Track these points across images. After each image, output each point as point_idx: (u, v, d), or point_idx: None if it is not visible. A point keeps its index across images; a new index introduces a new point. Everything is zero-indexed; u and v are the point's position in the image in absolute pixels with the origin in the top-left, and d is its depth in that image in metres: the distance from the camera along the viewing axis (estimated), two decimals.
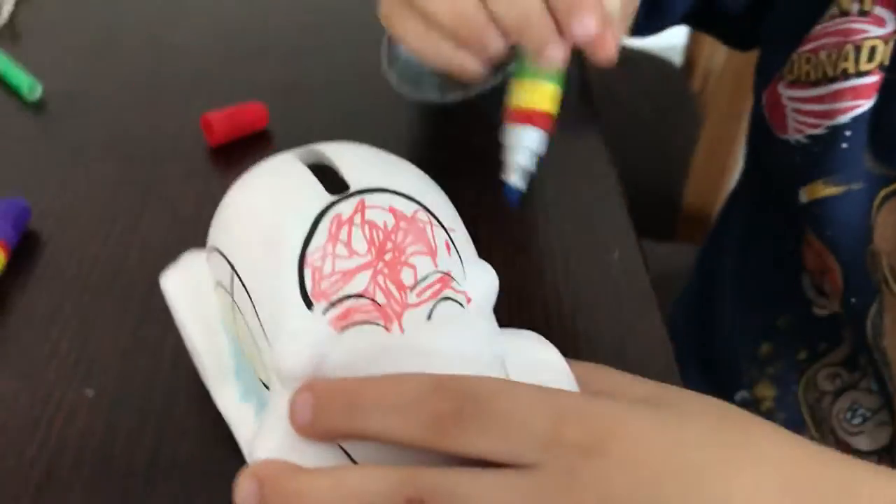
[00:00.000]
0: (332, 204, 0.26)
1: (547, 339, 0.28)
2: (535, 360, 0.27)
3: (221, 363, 0.29)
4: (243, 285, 0.26)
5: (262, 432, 0.25)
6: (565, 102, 0.35)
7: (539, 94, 0.34)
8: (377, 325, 0.25)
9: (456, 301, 0.26)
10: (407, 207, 0.27)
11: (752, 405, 0.51)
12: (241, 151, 0.47)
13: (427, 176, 0.30)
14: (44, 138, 0.48)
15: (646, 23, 0.48)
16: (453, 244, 0.27)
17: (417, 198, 0.27)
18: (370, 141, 0.30)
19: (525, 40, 0.32)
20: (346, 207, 0.26)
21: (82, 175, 0.45)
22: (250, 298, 0.26)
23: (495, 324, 0.28)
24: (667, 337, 0.36)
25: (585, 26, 0.31)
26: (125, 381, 0.33)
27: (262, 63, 0.54)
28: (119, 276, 0.38)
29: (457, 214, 0.29)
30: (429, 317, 0.26)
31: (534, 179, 0.35)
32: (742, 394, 0.52)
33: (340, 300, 0.25)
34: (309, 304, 0.25)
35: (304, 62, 0.54)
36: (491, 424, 0.23)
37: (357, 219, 0.26)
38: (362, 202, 0.26)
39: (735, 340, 0.52)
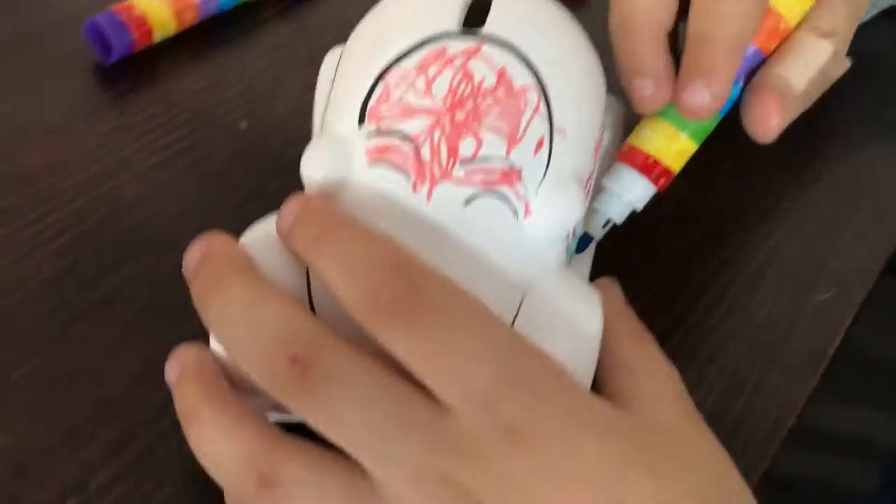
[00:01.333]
0: (447, 35, 0.23)
1: None
2: (562, 314, 0.22)
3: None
4: (337, 70, 0.24)
5: (263, 218, 0.24)
6: None
7: (669, 142, 0.27)
8: (407, 177, 0.22)
9: (509, 203, 0.22)
10: (521, 78, 0.22)
11: None
12: None
13: (597, 71, 0.25)
14: None
15: None
16: (549, 146, 0.22)
17: (544, 76, 0.22)
18: None
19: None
20: (458, 44, 0.22)
21: None
22: (333, 86, 0.24)
23: (557, 260, 0.23)
24: None
25: (697, 99, 0.25)
26: None
27: None
28: None
29: (596, 126, 0.24)
30: (467, 202, 0.22)
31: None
32: None
33: (388, 132, 0.22)
34: (362, 120, 0.22)
35: None
36: (424, 340, 0.19)
37: (458, 61, 0.22)
38: (478, 48, 0.22)
39: None
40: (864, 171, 0.35)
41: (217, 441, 0.20)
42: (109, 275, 0.28)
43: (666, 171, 0.27)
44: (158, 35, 0.36)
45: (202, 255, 0.22)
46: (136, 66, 0.36)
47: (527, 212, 0.22)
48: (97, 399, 0.25)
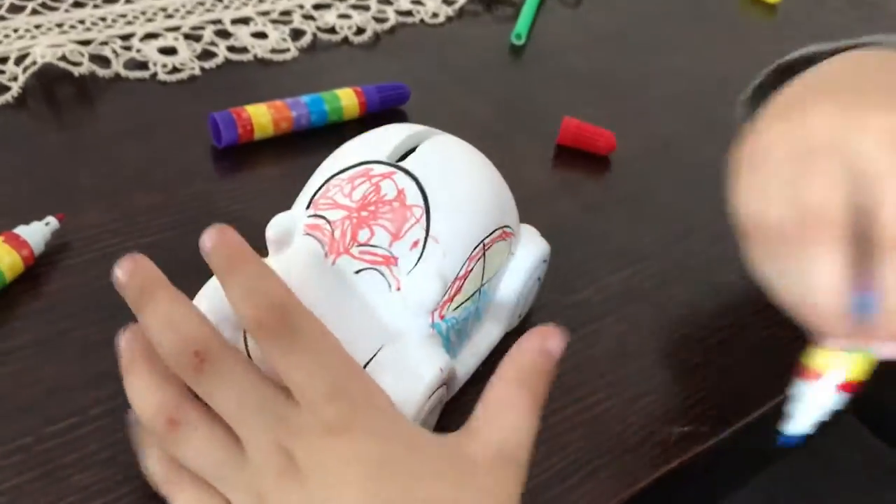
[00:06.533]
0: (377, 161, 0.34)
1: None
2: (401, 369, 0.31)
3: None
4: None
5: None
6: None
7: (862, 364, 0.29)
8: (323, 246, 0.33)
9: (385, 278, 0.32)
10: (412, 198, 0.33)
11: None
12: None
13: (488, 205, 0.34)
14: None
15: None
16: (423, 248, 0.32)
17: (431, 200, 0.33)
18: None
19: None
20: (380, 169, 0.33)
21: None
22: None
23: (420, 330, 0.33)
24: None
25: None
26: None
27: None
28: None
29: (464, 246, 0.33)
30: (357, 271, 0.32)
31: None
32: None
33: (320, 216, 0.33)
34: (309, 206, 0.34)
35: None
36: (289, 355, 0.28)
37: (375, 179, 0.33)
38: (390, 174, 0.33)
39: None
40: None
41: (144, 391, 0.30)
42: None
43: (853, 383, 0.29)
44: (259, 135, 0.50)
45: (132, 271, 0.30)
46: (237, 152, 0.50)
47: (398, 287, 0.32)
48: None
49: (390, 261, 0.32)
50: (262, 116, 0.50)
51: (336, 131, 0.53)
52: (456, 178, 0.34)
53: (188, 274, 0.40)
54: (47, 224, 0.41)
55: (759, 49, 0.70)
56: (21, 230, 0.40)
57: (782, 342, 0.43)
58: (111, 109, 0.52)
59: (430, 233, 0.33)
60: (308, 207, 0.34)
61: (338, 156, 0.35)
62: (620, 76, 0.63)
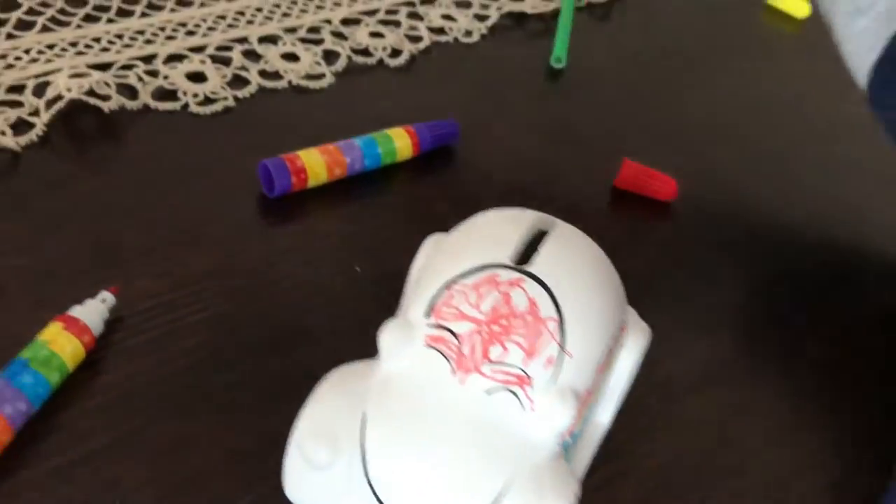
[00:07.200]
0: (502, 266, 0.31)
1: None
2: (537, 488, 0.29)
3: None
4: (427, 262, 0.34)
5: (351, 364, 0.32)
6: None
7: None
8: (450, 362, 0.30)
9: (519, 399, 0.30)
10: (545, 310, 0.30)
11: None
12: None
13: (614, 307, 0.32)
14: None
15: None
16: (558, 366, 0.30)
17: (565, 313, 0.30)
18: None
19: None
20: (507, 275, 0.31)
21: None
22: (420, 273, 0.33)
23: (551, 449, 0.30)
24: None
25: None
26: None
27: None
28: None
29: (594, 356, 0.31)
30: (488, 392, 0.30)
31: None
32: None
33: (444, 327, 0.30)
34: (428, 312, 0.31)
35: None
36: None
37: (504, 288, 0.30)
38: (519, 282, 0.31)
39: None
40: None
41: None
42: (240, 364, 0.37)
43: None
44: (312, 182, 0.47)
45: None
46: (290, 202, 0.46)
47: (532, 409, 0.30)
48: None
49: (524, 380, 0.30)
50: (315, 164, 0.46)
51: (389, 174, 0.50)
52: (584, 284, 0.32)
53: (250, 351, 0.38)
54: (103, 301, 0.38)
55: (791, 67, 0.69)
56: (78, 312, 0.37)
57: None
58: (143, 149, 0.48)
59: (565, 347, 0.30)
60: (428, 315, 0.31)
61: (453, 254, 0.33)
62: (662, 103, 0.61)
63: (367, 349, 0.33)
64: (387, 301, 0.37)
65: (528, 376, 0.30)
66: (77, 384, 0.36)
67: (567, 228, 0.34)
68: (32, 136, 0.47)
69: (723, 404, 0.41)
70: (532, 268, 0.31)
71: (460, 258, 0.32)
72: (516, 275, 0.31)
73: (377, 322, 0.31)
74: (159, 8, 0.58)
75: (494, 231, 0.33)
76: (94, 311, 0.37)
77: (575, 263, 0.32)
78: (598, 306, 0.32)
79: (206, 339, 0.38)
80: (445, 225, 0.35)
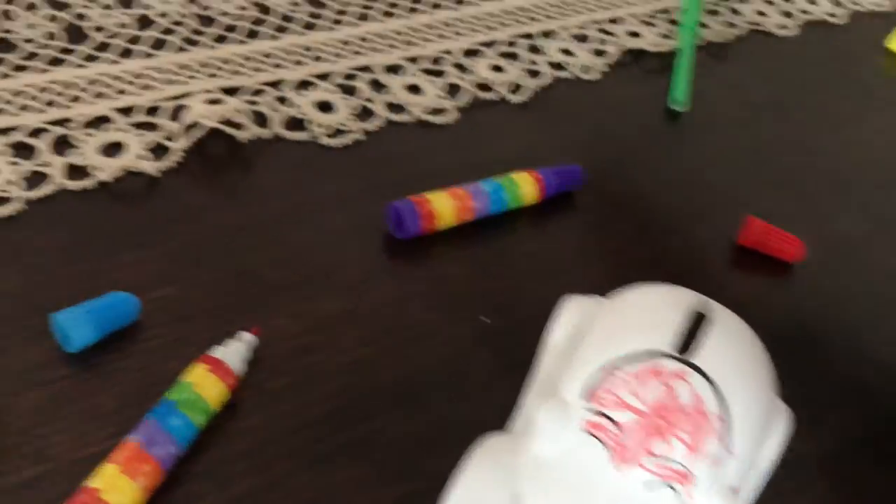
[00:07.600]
0: (665, 355, 0.31)
1: None
2: None
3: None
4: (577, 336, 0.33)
5: (496, 435, 0.32)
6: None
7: None
8: (609, 452, 0.30)
9: (680, 498, 0.29)
10: (712, 407, 0.30)
11: None
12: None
13: (770, 398, 0.32)
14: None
15: None
16: (721, 465, 0.29)
17: (731, 410, 0.30)
18: None
19: None
20: (671, 366, 0.30)
21: None
22: (568, 343, 0.33)
23: None
24: None
25: None
26: None
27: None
28: None
29: (753, 454, 0.30)
30: (647, 486, 0.29)
31: None
32: None
33: (603, 415, 0.30)
34: (584, 396, 0.31)
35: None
36: None
37: (667, 379, 0.30)
38: (684, 374, 0.30)
39: None
40: None
41: None
42: (363, 422, 0.38)
43: None
44: (440, 225, 0.47)
45: None
46: (418, 245, 0.46)
47: None
48: None
49: (687, 477, 0.29)
50: (444, 209, 0.46)
51: (512, 218, 0.49)
52: (749, 380, 0.31)
53: (388, 398, 0.38)
54: (245, 341, 0.38)
55: None
56: (221, 353, 0.37)
57: None
58: (274, 179, 0.49)
59: (730, 446, 0.30)
60: (585, 398, 0.31)
61: (609, 334, 0.32)
62: (788, 157, 0.60)
63: (494, 406, 0.34)
64: (511, 354, 0.37)
65: (691, 474, 0.29)
66: (220, 426, 0.36)
67: (727, 316, 0.33)
68: (171, 161, 0.47)
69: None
70: (696, 359, 0.31)
71: (618, 341, 0.32)
72: (681, 366, 0.30)
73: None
74: (286, 30, 0.59)
75: (652, 313, 0.33)
76: (236, 353, 0.38)
77: (738, 357, 0.32)
78: (761, 403, 0.31)
79: (346, 384, 0.39)
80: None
